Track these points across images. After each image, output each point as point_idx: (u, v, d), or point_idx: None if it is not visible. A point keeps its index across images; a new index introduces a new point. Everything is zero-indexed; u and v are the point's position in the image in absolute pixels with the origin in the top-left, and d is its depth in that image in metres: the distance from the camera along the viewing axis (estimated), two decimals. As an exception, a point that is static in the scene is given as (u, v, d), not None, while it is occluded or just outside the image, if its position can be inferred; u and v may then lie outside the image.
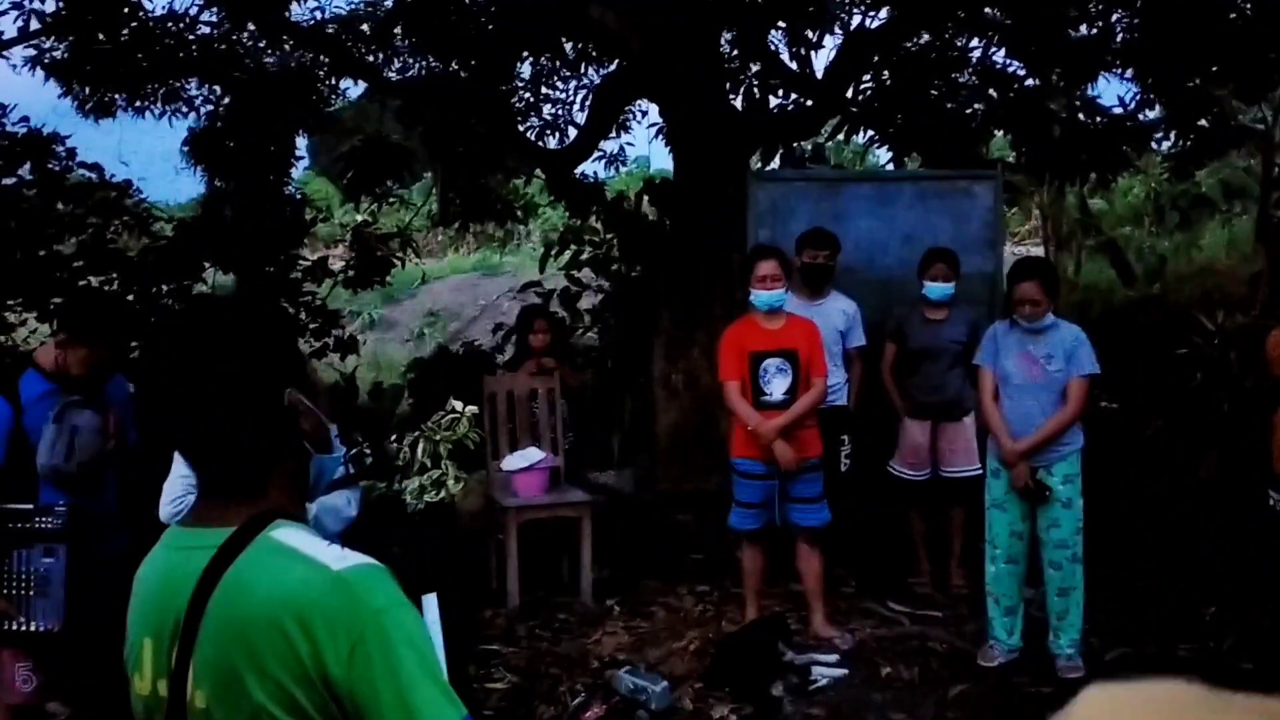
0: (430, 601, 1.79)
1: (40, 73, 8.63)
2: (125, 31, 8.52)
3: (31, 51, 8.55)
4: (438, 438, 5.57)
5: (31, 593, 3.65)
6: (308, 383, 1.54)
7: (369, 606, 1.30)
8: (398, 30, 9.50)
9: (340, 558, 1.35)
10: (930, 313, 5.90)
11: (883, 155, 11.53)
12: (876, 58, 8.77)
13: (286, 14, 9.11)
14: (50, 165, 8.06)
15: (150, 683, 1.41)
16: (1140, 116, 9.00)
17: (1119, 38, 8.45)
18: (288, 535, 1.38)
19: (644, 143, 57.51)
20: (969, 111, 9.14)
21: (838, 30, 9.24)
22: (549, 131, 10.74)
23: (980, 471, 5.38)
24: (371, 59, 9.71)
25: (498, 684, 4.90)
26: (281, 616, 1.29)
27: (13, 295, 7.52)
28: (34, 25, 8.21)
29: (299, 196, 10.22)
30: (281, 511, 1.42)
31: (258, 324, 1.53)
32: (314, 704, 1.29)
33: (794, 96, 9.62)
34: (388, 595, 1.33)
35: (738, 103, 9.28)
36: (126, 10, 8.38)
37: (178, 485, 3.57)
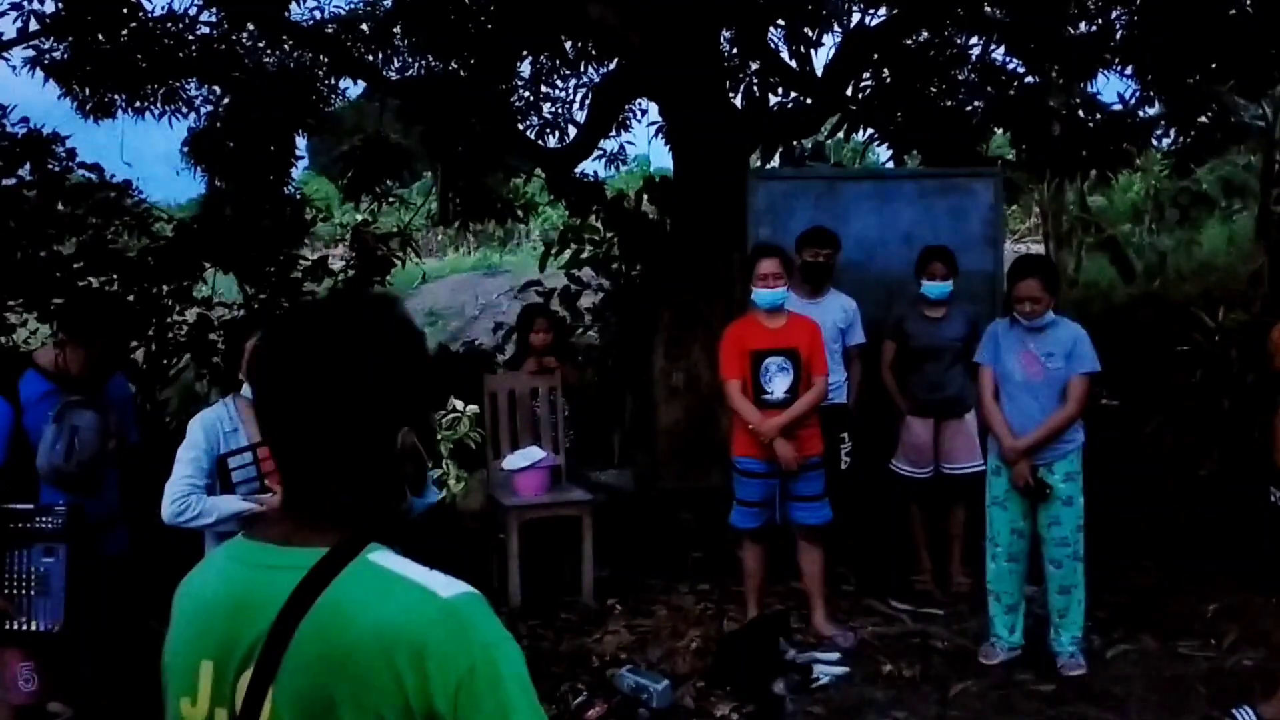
0: None
1: (40, 73, 8.63)
2: (125, 32, 8.53)
3: (31, 52, 8.56)
4: (438, 437, 5.57)
5: (32, 592, 3.65)
6: (428, 423, 1.41)
7: (479, 639, 1.23)
8: (397, 30, 9.50)
9: (447, 584, 1.26)
10: (929, 311, 5.90)
11: (883, 153, 11.54)
12: (876, 55, 8.78)
13: (286, 14, 9.11)
14: (50, 166, 8.04)
15: (207, 710, 1.30)
16: (1140, 113, 9.01)
17: (1119, 34, 8.46)
18: (388, 559, 1.28)
19: (644, 141, 57.60)
20: (969, 109, 9.14)
21: (837, 28, 9.26)
22: (549, 130, 10.76)
23: (982, 468, 5.38)
24: (371, 58, 9.71)
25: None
26: (389, 646, 1.20)
27: (13, 296, 7.51)
28: (33, 26, 8.22)
29: (299, 196, 10.20)
30: (377, 537, 1.31)
31: (394, 346, 1.36)
32: None
33: (794, 95, 9.62)
34: (496, 628, 1.25)
35: (737, 101, 9.29)
36: (126, 11, 8.38)
37: (179, 485, 3.58)
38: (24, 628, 3.66)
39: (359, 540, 1.28)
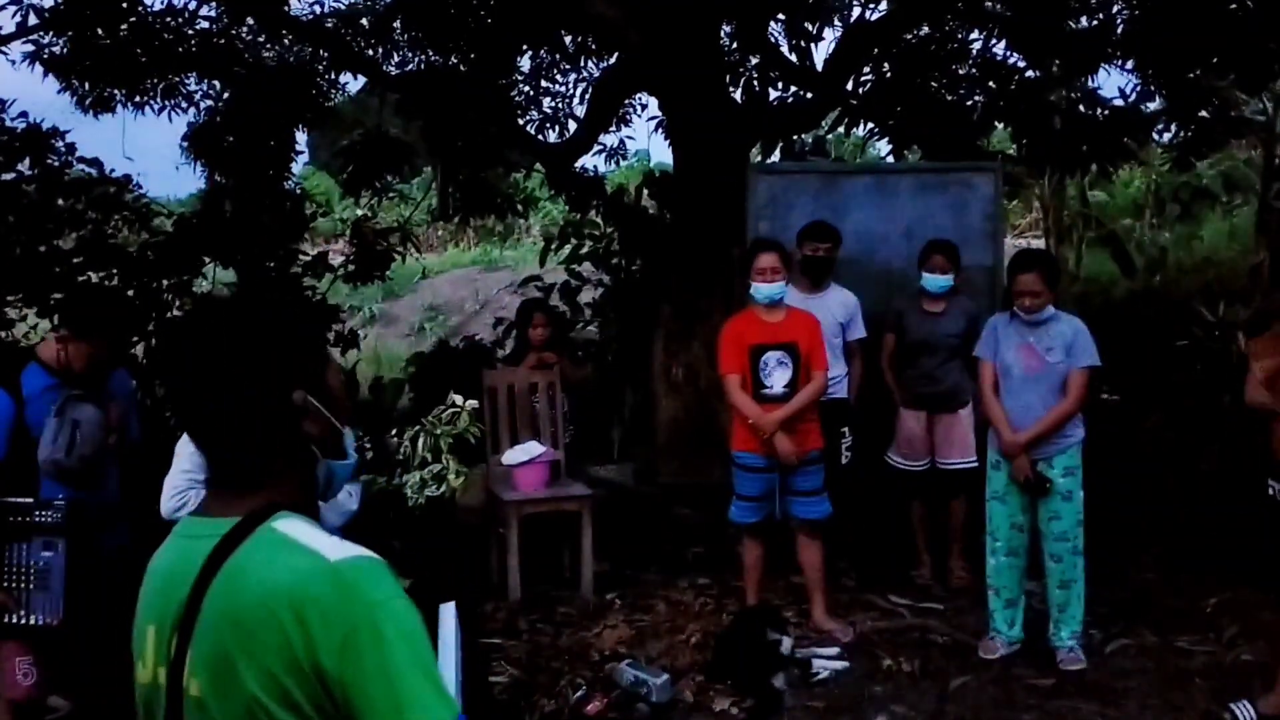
0: (448, 611, 1.74)
1: (39, 68, 8.62)
2: (124, 26, 8.52)
3: (30, 47, 8.55)
4: (438, 432, 5.56)
5: (31, 586, 3.66)
6: (322, 385, 1.52)
7: (364, 598, 1.30)
8: (397, 24, 9.49)
9: (338, 548, 1.34)
10: (928, 305, 5.90)
11: (883, 147, 11.53)
12: (877, 50, 8.76)
13: (285, 8, 9.10)
14: (50, 160, 8.05)
15: (151, 670, 1.41)
16: (1141, 108, 9.00)
17: (1119, 29, 8.44)
18: (289, 526, 1.38)
19: (644, 136, 57.45)
20: (969, 104, 9.13)
21: (837, 22, 9.25)
22: (549, 125, 10.76)
23: (976, 464, 5.37)
24: (371, 53, 9.70)
25: (499, 678, 4.90)
26: (276, 606, 1.29)
27: (13, 291, 7.52)
28: (33, 20, 8.21)
29: (299, 191, 10.22)
30: (287, 505, 1.42)
31: (271, 320, 1.52)
32: (306, 695, 1.28)
33: (794, 89, 9.62)
34: (384, 588, 1.32)
35: (737, 96, 9.28)
36: (125, 5, 8.37)
37: (179, 480, 3.58)
38: (23, 621, 3.67)
39: (266, 510, 1.39)
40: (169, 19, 8.80)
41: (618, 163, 11.39)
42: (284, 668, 1.28)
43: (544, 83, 10.72)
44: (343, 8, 9.66)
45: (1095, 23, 8.54)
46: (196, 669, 1.34)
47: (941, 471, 5.91)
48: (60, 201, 8.09)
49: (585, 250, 9.96)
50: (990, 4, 8.65)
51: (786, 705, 4.64)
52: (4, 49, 8.29)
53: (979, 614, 5.30)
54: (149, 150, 10.07)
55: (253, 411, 1.44)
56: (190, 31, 8.98)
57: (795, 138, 10.07)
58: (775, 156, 10.07)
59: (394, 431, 6.35)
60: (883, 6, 8.93)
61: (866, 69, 9.07)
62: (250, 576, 1.33)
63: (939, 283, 5.81)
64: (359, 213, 11.01)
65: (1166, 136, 9.66)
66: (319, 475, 1.53)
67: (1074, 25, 8.50)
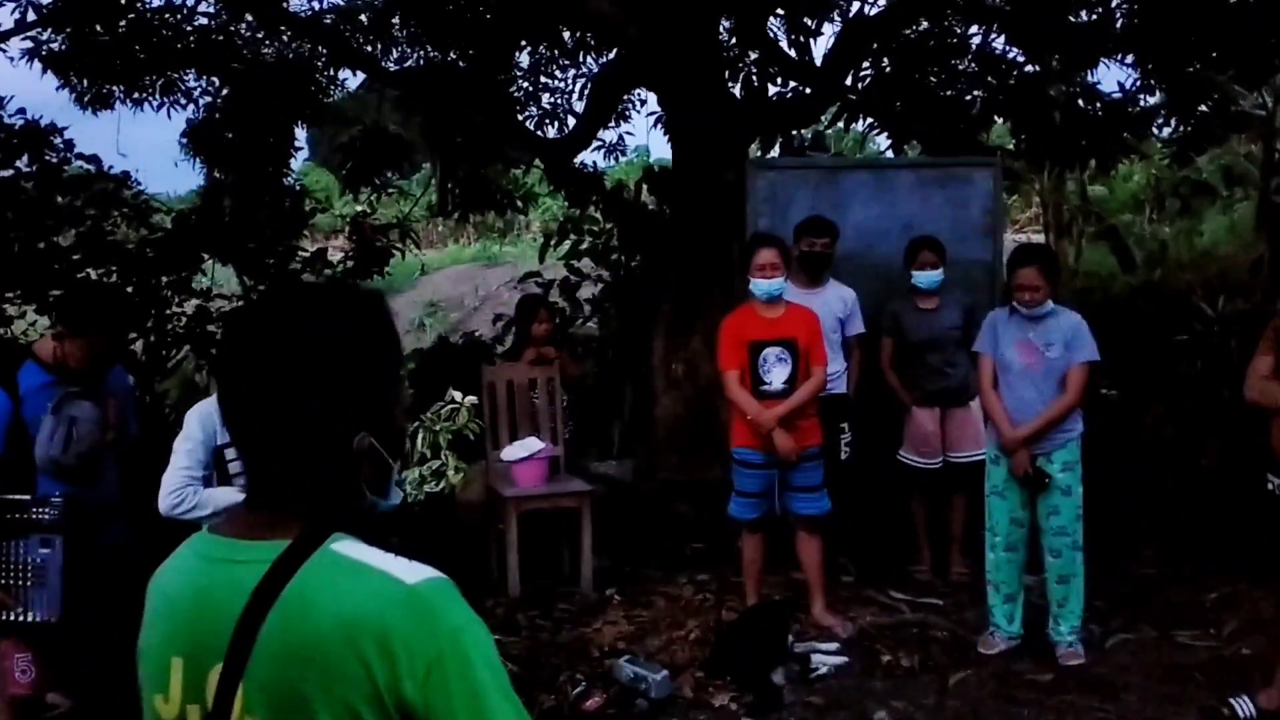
0: None
1: (38, 64, 8.60)
2: (122, 23, 8.50)
3: (29, 43, 8.52)
4: (437, 428, 5.56)
5: (29, 583, 3.67)
6: (390, 427, 1.39)
7: (447, 624, 1.22)
8: (396, 20, 9.47)
9: (411, 570, 1.25)
10: (922, 302, 5.90)
11: (882, 142, 11.52)
12: (876, 45, 8.74)
13: (284, 4, 9.09)
14: (48, 157, 8.04)
15: (179, 707, 1.30)
16: (1140, 102, 8.98)
17: (1119, 23, 8.42)
18: (351, 548, 1.27)
19: (643, 132, 57.66)
20: (968, 98, 9.12)
21: (836, 17, 9.23)
22: (548, 121, 10.73)
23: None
24: (370, 49, 9.68)
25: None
26: (356, 635, 1.19)
27: (11, 288, 7.51)
28: (31, 17, 8.19)
29: (298, 187, 10.20)
30: (338, 525, 1.31)
31: (369, 348, 1.36)
32: None
33: (793, 84, 9.59)
34: (462, 611, 1.25)
35: (736, 91, 9.26)
36: (124, 2, 8.35)
37: (177, 478, 3.58)
38: (21, 619, 3.68)
39: (322, 530, 1.28)
40: (167, 15, 8.78)
41: (617, 158, 11.35)
42: (364, 701, 1.19)
43: (543, 78, 10.70)
44: (341, 3, 9.64)
45: (1094, 17, 8.51)
46: (253, 706, 1.23)
47: (953, 466, 5.91)
48: (59, 198, 8.08)
49: (585, 246, 9.94)
50: (990, -2, 8.64)
51: (786, 701, 4.64)
52: (2, 46, 8.28)
53: (979, 609, 5.31)
54: (148, 147, 10.07)
55: (318, 449, 1.32)
56: (189, 28, 8.96)
57: (794, 133, 10.06)
58: (775, 152, 10.06)
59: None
60: (881, 1, 8.91)
61: (866, 64, 9.04)
62: (319, 605, 1.22)
63: (931, 279, 5.82)
64: (358, 209, 10.97)
65: (1166, 131, 9.65)
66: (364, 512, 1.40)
67: (1073, 19, 8.48)
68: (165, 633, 1.33)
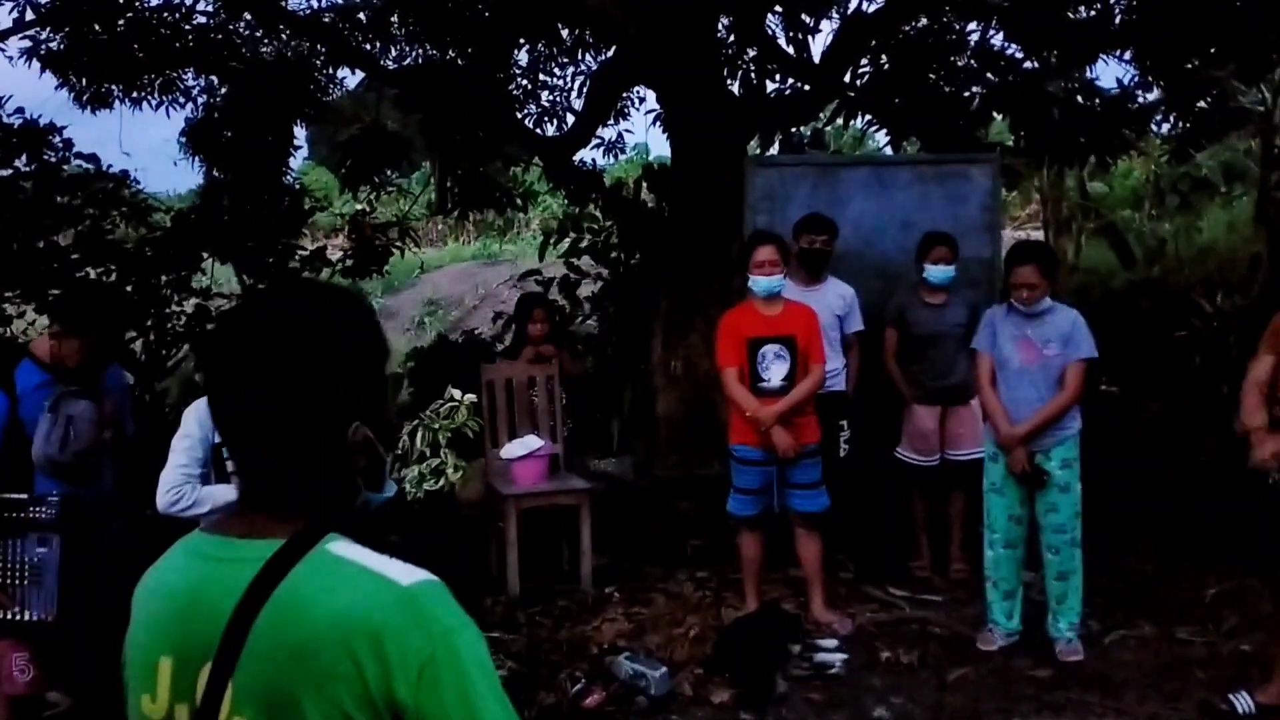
0: None
1: (36, 64, 8.60)
2: (121, 22, 8.50)
3: (27, 43, 8.53)
4: (437, 426, 5.56)
5: (26, 582, 3.67)
6: (382, 416, 1.39)
7: (439, 625, 1.22)
8: (394, 18, 9.47)
9: (406, 572, 1.25)
10: (930, 297, 5.88)
11: (881, 139, 11.51)
12: (874, 42, 8.74)
13: (283, 3, 9.09)
14: (47, 156, 8.05)
15: (166, 706, 1.29)
16: (1139, 99, 8.98)
17: (1117, 19, 8.42)
18: (346, 549, 1.27)
19: (642, 130, 57.56)
20: (967, 95, 9.11)
21: (835, 14, 9.23)
22: (547, 119, 10.72)
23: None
24: (368, 47, 9.68)
25: (498, 671, 4.90)
26: (349, 635, 1.19)
27: (10, 287, 7.52)
28: (29, 16, 8.19)
29: (297, 186, 10.20)
30: (333, 525, 1.30)
31: (357, 342, 1.36)
32: None
33: (792, 81, 9.59)
34: (455, 613, 1.25)
35: (735, 88, 9.26)
36: (122, 1, 8.35)
37: (174, 476, 3.58)
38: (18, 618, 3.68)
39: (317, 531, 1.27)
40: (166, 14, 8.78)
41: (616, 156, 11.34)
42: (355, 701, 1.19)
43: (542, 76, 10.69)
44: (340, 2, 9.64)
45: (1093, 13, 8.51)
46: (241, 706, 1.22)
47: (951, 463, 5.91)
48: (58, 198, 8.08)
49: (584, 244, 9.95)
50: (988, -5, 8.62)
51: (785, 697, 4.64)
52: (1, 44, 8.29)
53: (977, 606, 5.31)
54: (146, 146, 10.07)
55: (312, 443, 1.31)
56: (187, 27, 8.95)
57: (793, 130, 10.06)
58: (773, 149, 10.06)
59: (392, 426, 6.35)
60: (880, -2, 8.91)
61: (864, 61, 9.04)
62: (312, 604, 1.21)
63: (943, 274, 5.79)
64: (358, 207, 10.97)
65: (1165, 127, 9.66)
66: (356, 504, 1.40)
67: (1072, 16, 8.47)
68: (154, 632, 1.32)
